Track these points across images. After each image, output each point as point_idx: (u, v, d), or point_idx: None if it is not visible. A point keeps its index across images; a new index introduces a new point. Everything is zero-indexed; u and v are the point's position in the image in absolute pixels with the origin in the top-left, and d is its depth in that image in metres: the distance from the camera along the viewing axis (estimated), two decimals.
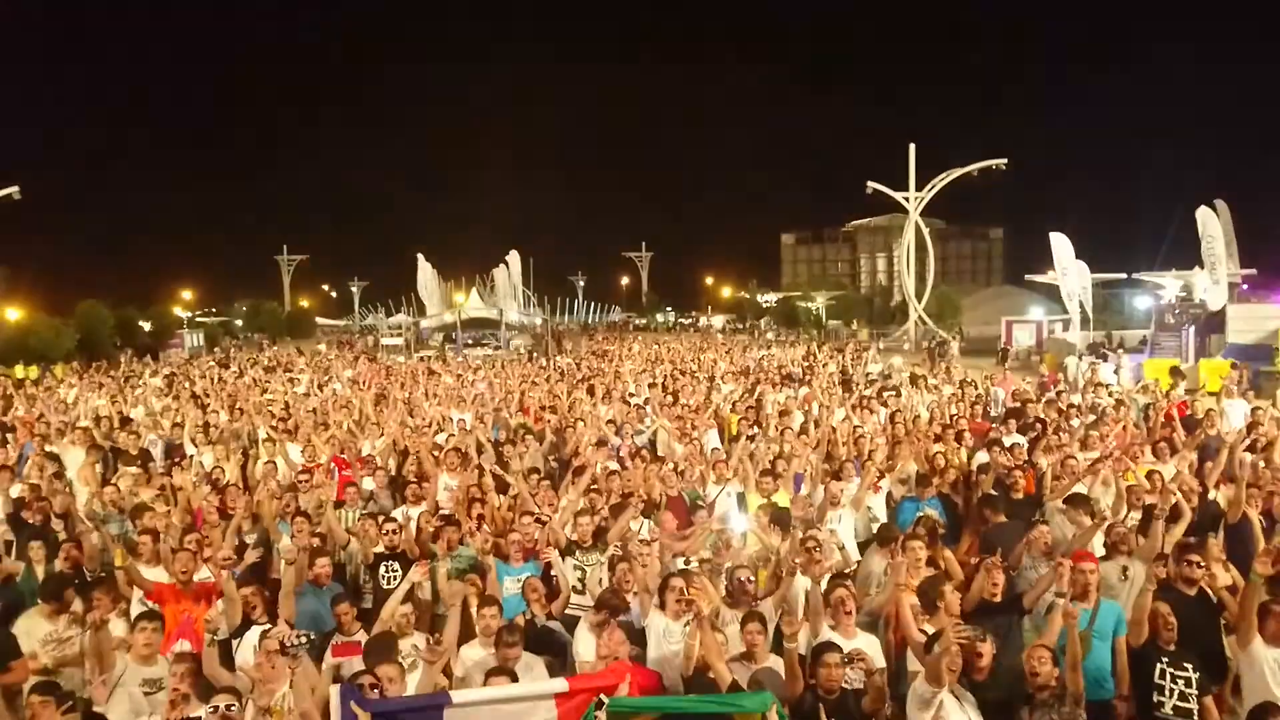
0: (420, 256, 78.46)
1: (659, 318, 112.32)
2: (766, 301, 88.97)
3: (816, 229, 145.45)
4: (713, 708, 4.66)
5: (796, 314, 76.26)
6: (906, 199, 56.09)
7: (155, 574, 7.89)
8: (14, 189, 43.38)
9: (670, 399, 17.33)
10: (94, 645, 6.04)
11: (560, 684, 4.91)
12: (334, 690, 4.61)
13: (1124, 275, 49.37)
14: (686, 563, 6.88)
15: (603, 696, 4.54)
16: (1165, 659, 5.73)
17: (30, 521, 9.28)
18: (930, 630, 5.95)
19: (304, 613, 7.09)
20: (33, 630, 6.78)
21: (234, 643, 6.56)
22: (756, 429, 13.74)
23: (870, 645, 6.04)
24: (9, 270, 66.97)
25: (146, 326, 64.00)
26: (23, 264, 70.05)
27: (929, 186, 55.83)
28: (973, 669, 5.45)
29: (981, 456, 11.36)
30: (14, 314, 53.04)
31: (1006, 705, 5.36)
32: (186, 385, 24.62)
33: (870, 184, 54.92)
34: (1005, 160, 53.10)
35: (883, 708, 4.97)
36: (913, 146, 55.27)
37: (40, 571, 8.01)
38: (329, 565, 7.81)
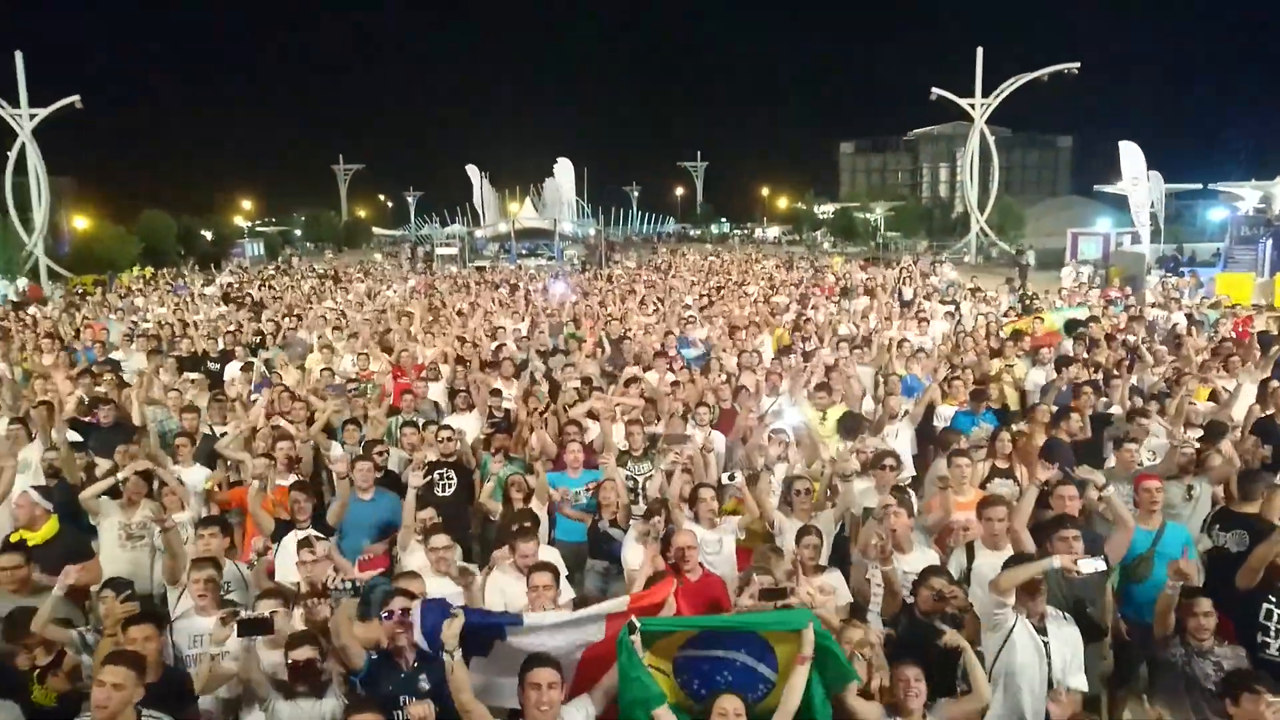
0: (473, 168, 78.31)
1: (713, 229, 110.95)
2: (824, 213, 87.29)
3: (877, 138, 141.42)
4: (747, 626, 4.58)
5: (854, 225, 74.79)
6: (972, 105, 54.04)
7: (191, 474, 8.09)
8: (75, 98, 43.76)
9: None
10: (168, 544, 6.24)
11: (622, 601, 4.93)
12: (415, 604, 4.71)
13: (1199, 186, 47.47)
14: (730, 477, 6.87)
15: (634, 619, 4.47)
16: (1274, 598, 5.53)
17: (98, 424, 9.55)
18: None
19: (375, 522, 7.21)
20: (112, 522, 7.04)
21: (273, 547, 6.69)
22: (809, 342, 13.55)
23: (931, 561, 5.97)
24: (76, 181, 68.17)
25: (208, 235, 65.12)
26: (89, 174, 71.47)
27: (996, 93, 53.63)
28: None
29: (1036, 374, 11.13)
30: (81, 223, 54.25)
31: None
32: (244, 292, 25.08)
33: (935, 90, 52.97)
34: (1078, 65, 50.73)
35: (953, 641, 4.80)
36: (980, 51, 53.00)
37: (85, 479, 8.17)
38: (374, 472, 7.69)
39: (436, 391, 11.21)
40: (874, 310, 16.83)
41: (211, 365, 13.00)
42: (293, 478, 7.81)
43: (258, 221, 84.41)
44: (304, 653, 4.73)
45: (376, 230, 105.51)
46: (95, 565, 6.46)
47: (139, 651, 4.58)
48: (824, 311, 17.33)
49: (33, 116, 43.93)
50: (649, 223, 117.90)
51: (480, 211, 79.70)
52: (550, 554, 6.33)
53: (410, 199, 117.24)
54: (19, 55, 42.97)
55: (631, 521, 7.00)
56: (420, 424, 9.35)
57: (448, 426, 8.86)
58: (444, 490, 8.11)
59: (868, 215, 74.39)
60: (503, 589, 5.91)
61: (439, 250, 57.50)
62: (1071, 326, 14.23)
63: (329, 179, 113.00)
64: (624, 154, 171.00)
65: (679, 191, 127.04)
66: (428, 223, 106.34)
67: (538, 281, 28.89)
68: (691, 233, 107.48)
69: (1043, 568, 5.06)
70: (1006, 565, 5.18)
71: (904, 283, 23.48)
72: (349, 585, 5.06)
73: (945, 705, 4.69)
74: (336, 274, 36.20)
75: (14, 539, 6.47)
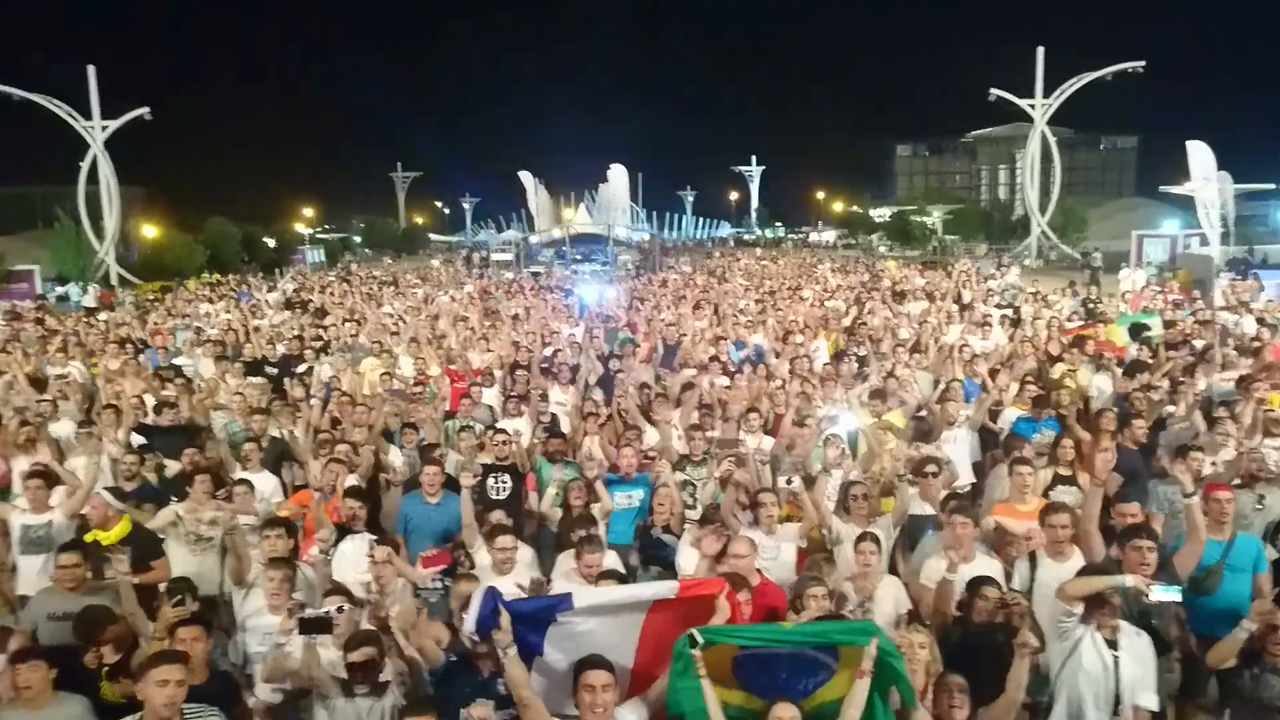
0: (527, 175, 79.30)
1: (768, 233, 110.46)
2: (880, 216, 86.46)
3: (933, 140, 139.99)
4: (811, 638, 4.53)
5: (911, 228, 73.93)
6: (1032, 106, 53.09)
7: (260, 480, 8.21)
8: (144, 110, 45.10)
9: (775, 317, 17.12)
10: (234, 546, 6.42)
11: (672, 585, 4.92)
12: (476, 592, 4.76)
13: (1271, 186, 46.02)
14: (788, 481, 6.86)
15: (695, 633, 4.45)
16: None
17: (163, 426, 9.81)
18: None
19: (442, 525, 7.30)
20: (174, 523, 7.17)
21: (330, 552, 6.78)
22: (862, 347, 13.41)
23: (993, 570, 5.85)
24: (144, 191, 70.15)
25: (271, 243, 66.60)
26: (156, 184, 73.50)
27: (1057, 93, 52.61)
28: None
29: (1101, 381, 10.90)
30: (150, 232, 55.85)
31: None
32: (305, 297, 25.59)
33: (994, 91, 52.12)
34: (1143, 63, 49.55)
35: (1031, 642, 4.66)
36: (1041, 50, 52.07)
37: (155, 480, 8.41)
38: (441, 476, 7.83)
39: (491, 396, 11.33)
40: (932, 314, 16.63)
41: (270, 370, 13.26)
42: (349, 481, 7.93)
43: (318, 229, 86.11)
44: (363, 654, 4.87)
45: (433, 236, 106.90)
46: (165, 565, 6.65)
47: (186, 650, 4.73)
48: (880, 316, 17.14)
49: (104, 128, 45.39)
50: (703, 227, 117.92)
51: (535, 217, 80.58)
52: (613, 560, 6.38)
53: (466, 205, 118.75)
54: (91, 69, 44.41)
55: (685, 527, 7.02)
56: (476, 428, 9.47)
57: (503, 430, 8.95)
58: (499, 494, 8.19)
59: (925, 218, 73.52)
60: None
61: (494, 256, 58.19)
62: (1136, 331, 13.91)
63: (387, 186, 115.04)
64: (678, 159, 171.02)
65: (733, 196, 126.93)
66: (483, 228, 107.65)
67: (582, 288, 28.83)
68: (746, 237, 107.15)
69: (1114, 584, 4.92)
70: (1079, 575, 5.08)
71: (963, 286, 23.13)
72: (438, 584, 5.21)
73: (983, 712, 4.62)
74: (395, 280, 36.76)
75: (88, 539, 6.70)
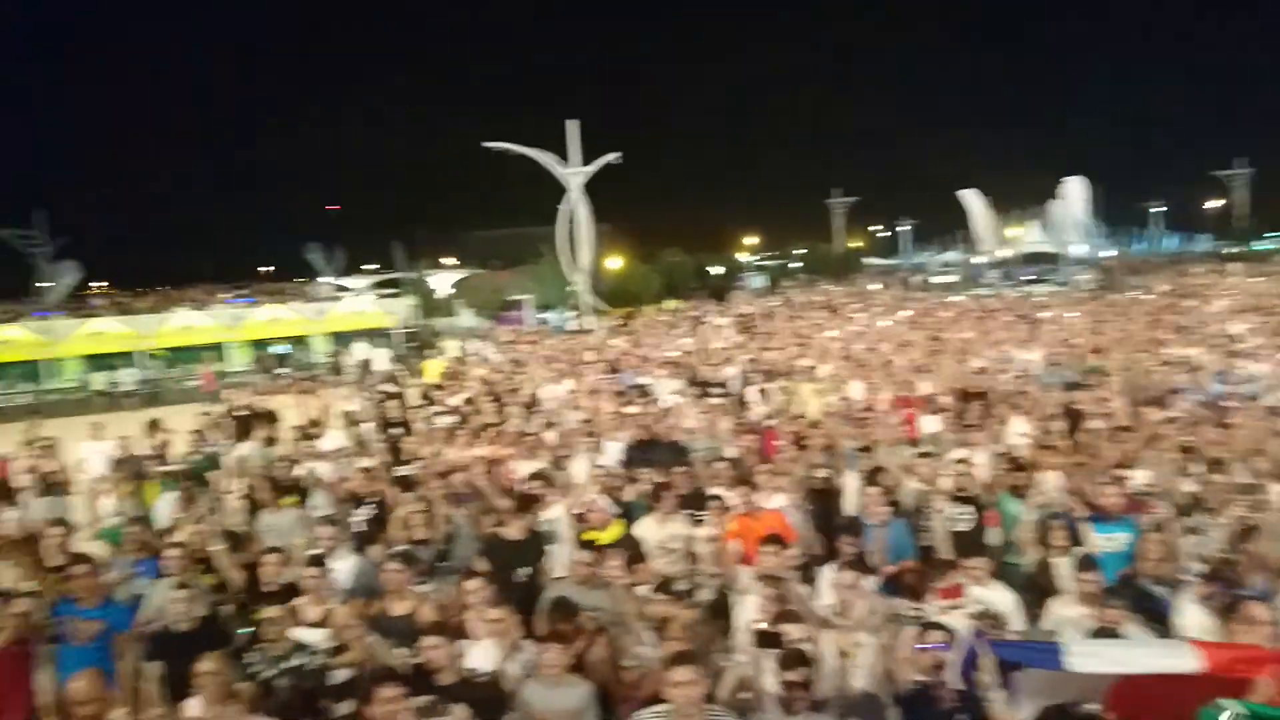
0: (969, 193, 76.36)
1: (1257, 246, 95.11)
2: None
3: None
4: None
5: None
6: None
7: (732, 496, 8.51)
8: (615, 155, 50.35)
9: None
10: (717, 557, 6.93)
11: (1193, 658, 4.37)
12: (961, 632, 4.72)
13: None
14: None
15: (1230, 704, 3.87)
16: None
17: (663, 441, 10.75)
18: None
19: (886, 549, 7.30)
20: (648, 534, 7.90)
21: (815, 570, 6.97)
22: None
23: None
24: (611, 226, 78.42)
25: (718, 270, 71.20)
26: (620, 219, 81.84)
27: None
28: None
29: None
30: (614, 263, 62.39)
31: None
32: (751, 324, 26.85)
33: None
34: None
35: None
36: None
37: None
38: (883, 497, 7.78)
39: (938, 424, 11.01)
40: None
41: (714, 391, 13.98)
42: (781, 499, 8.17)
43: (760, 256, 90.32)
44: (796, 674, 4.96)
45: (867, 260, 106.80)
46: (646, 570, 7.32)
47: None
48: None
49: (580, 173, 51.43)
50: (1178, 240, 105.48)
51: (978, 238, 77.40)
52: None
53: (902, 228, 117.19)
54: (572, 124, 50.52)
55: (1183, 579, 6.25)
56: (931, 455, 9.25)
57: (963, 460, 8.64)
58: (958, 525, 7.90)
59: None
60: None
61: (934, 278, 56.75)
62: None
63: (824, 213, 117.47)
64: (1142, 167, 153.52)
65: (1220, 203, 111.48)
66: (921, 250, 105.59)
67: (1043, 310, 26.97)
68: (1227, 250, 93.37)
69: None
70: None
71: None
72: (914, 613, 5.28)
73: None
74: (833, 305, 37.23)
75: (584, 538, 7.64)
